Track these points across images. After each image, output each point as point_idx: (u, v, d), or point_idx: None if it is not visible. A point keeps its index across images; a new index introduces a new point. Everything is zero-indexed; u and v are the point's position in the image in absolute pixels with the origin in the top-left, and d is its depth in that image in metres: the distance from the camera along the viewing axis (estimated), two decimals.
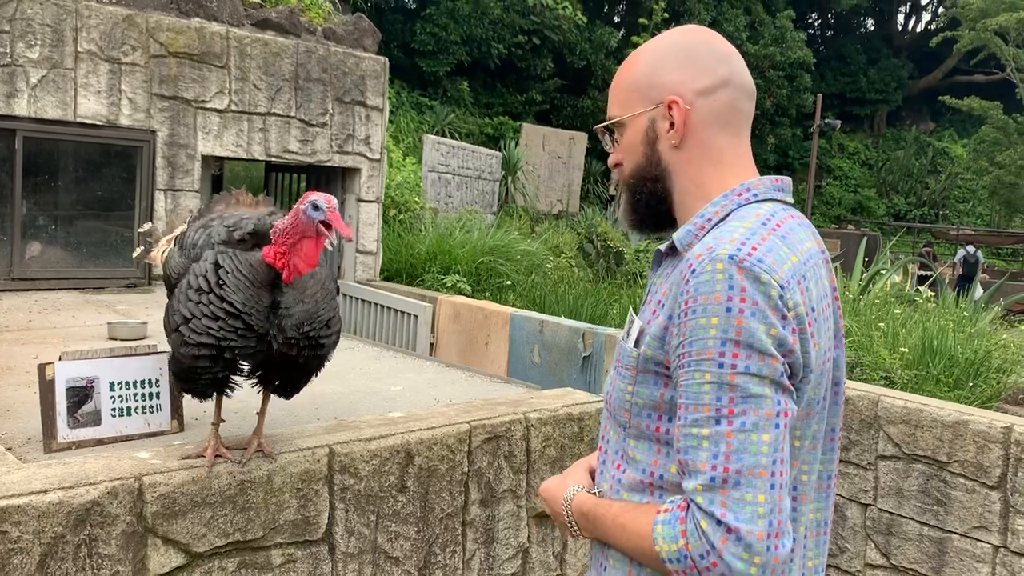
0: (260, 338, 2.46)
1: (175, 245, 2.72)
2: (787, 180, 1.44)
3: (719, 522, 1.18)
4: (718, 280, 1.23)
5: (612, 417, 1.44)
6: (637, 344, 1.37)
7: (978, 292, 12.12)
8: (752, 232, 1.28)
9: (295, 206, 2.39)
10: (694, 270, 1.26)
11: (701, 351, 1.23)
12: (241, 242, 2.50)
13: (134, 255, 3.37)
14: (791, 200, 1.44)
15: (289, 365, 2.61)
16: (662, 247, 1.45)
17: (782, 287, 1.23)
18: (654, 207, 1.46)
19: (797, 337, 1.24)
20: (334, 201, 2.36)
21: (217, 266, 2.42)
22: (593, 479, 1.53)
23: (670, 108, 1.39)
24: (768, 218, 1.33)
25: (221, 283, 2.39)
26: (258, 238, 2.50)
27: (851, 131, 30.48)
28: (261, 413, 2.79)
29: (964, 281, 16.32)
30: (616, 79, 1.48)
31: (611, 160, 1.50)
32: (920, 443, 4.16)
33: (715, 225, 1.35)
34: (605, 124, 1.49)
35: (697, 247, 1.30)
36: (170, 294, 2.58)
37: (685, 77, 1.39)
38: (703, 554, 1.19)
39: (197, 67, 7.12)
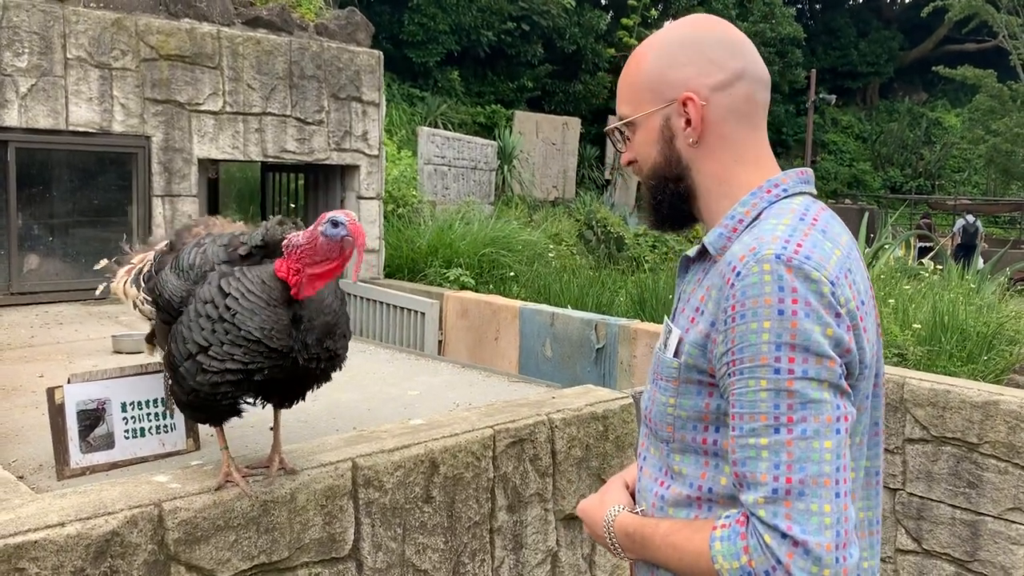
0: (285, 356, 2.36)
1: (157, 272, 2.60)
2: (810, 172, 1.39)
3: (784, 535, 1.12)
4: (766, 281, 1.16)
5: (653, 433, 1.38)
6: (677, 354, 1.31)
7: (980, 262, 12.05)
8: (793, 229, 1.22)
9: (311, 229, 2.27)
10: (739, 272, 1.19)
11: (754, 357, 1.16)
12: (247, 257, 2.38)
13: (97, 293, 3.25)
14: (815, 192, 1.38)
15: (303, 380, 2.52)
16: (690, 252, 1.39)
17: (833, 283, 1.17)
18: (677, 206, 1.40)
19: (852, 335, 1.19)
20: (352, 214, 2.27)
21: (223, 293, 2.29)
22: (631, 496, 1.46)
23: (685, 105, 1.33)
24: (804, 213, 1.27)
25: (232, 312, 2.27)
26: (268, 250, 2.37)
27: (844, 105, 30.37)
28: (276, 428, 2.69)
29: (963, 251, 16.27)
30: (624, 77, 1.42)
31: (624, 159, 1.45)
32: (949, 425, 4.08)
33: (748, 225, 1.29)
34: (616, 126, 1.44)
35: (736, 248, 1.24)
36: (170, 318, 2.45)
37: (698, 72, 1.34)
38: (768, 570, 1.12)
39: (189, 69, 6.98)
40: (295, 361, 2.39)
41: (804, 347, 1.14)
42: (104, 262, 3.22)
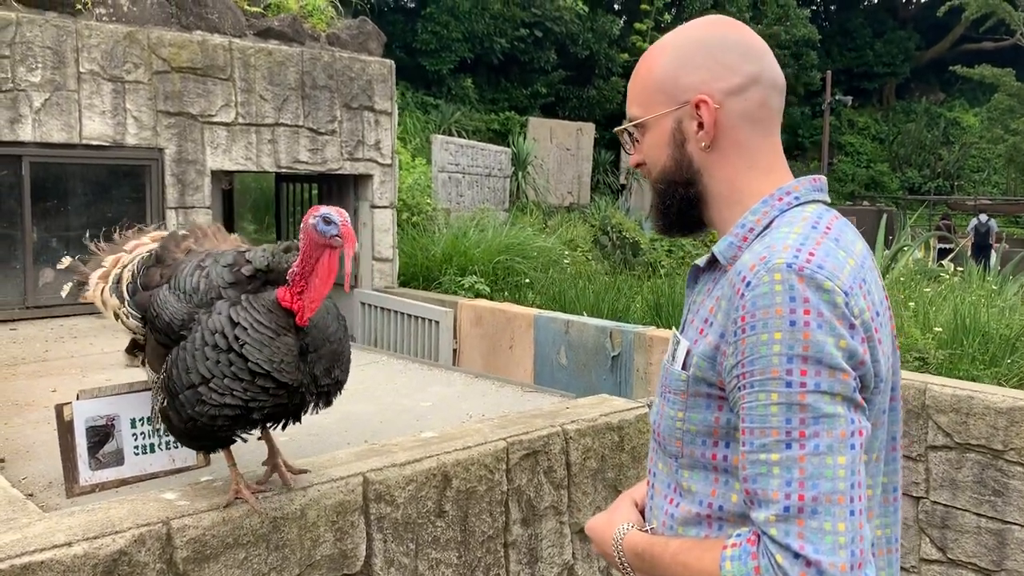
0: (293, 392, 2.32)
1: (167, 286, 2.49)
2: (823, 179, 1.35)
3: (797, 555, 1.07)
4: (777, 292, 1.12)
5: (662, 448, 1.34)
6: (685, 366, 1.27)
7: (992, 260, 11.85)
8: (805, 237, 1.18)
9: (303, 221, 2.24)
10: (749, 283, 1.15)
11: (765, 370, 1.12)
12: (251, 279, 2.32)
13: (63, 294, 3.00)
14: (828, 200, 1.34)
15: (301, 409, 2.47)
16: (699, 262, 1.35)
17: (846, 293, 1.13)
18: (686, 212, 1.36)
19: (867, 347, 1.15)
20: (346, 214, 2.21)
21: (233, 323, 2.24)
22: (641, 513, 1.43)
23: (698, 108, 1.29)
24: (816, 221, 1.23)
25: (241, 342, 2.22)
26: (270, 275, 2.32)
27: (860, 106, 30.14)
28: (267, 438, 2.62)
29: (978, 250, 16.09)
30: (636, 77, 1.38)
31: (632, 161, 1.41)
32: (973, 431, 3.99)
33: (759, 234, 1.26)
34: (625, 127, 1.40)
35: (747, 258, 1.20)
36: (169, 341, 2.37)
37: (712, 75, 1.30)
38: None
39: (201, 81, 6.99)
40: (303, 397, 2.35)
41: (817, 359, 1.10)
42: (67, 260, 3.03)
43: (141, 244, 2.84)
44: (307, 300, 2.26)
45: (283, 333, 2.25)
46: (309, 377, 2.33)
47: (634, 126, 1.38)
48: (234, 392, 2.23)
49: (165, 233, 2.86)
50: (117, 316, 2.68)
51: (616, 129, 1.45)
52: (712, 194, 1.33)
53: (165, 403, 2.38)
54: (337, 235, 2.16)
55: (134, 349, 2.80)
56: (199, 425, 2.31)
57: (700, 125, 1.30)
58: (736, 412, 1.19)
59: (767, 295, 1.13)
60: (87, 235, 3.10)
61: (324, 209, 2.19)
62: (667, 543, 1.28)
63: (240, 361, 2.21)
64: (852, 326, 1.13)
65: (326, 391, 2.42)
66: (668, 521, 1.31)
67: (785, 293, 1.12)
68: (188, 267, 2.44)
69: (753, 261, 1.18)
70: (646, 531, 1.35)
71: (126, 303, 2.61)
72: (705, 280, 1.34)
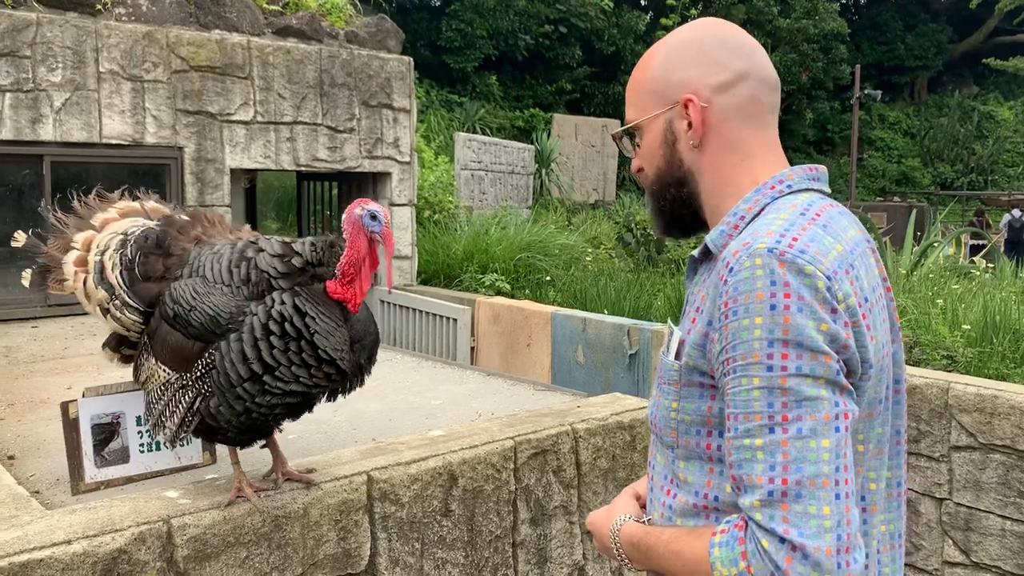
0: (346, 378, 2.40)
1: (189, 274, 2.40)
2: (822, 169, 1.34)
3: (782, 540, 1.07)
4: (758, 276, 1.13)
5: (659, 439, 1.35)
6: (678, 356, 1.28)
7: None
8: (791, 223, 1.19)
9: (348, 210, 2.33)
10: (731, 268, 1.17)
11: (746, 354, 1.13)
12: (301, 271, 2.35)
13: (25, 283, 2.58)
14: (827, 190, 1.34)
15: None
16: (695, 253, 1.35)
17: (829, 278, 1.13)
18: (679, 212, 1.38)
19: (851, 331, 1.14)
20: (387, 213, 2.34)
21: (301, 312, 2.27)
22: (643, 507, 1.44)
23: (686, 107, 1.31)
24: (806, 208, 1.23)
25: (312, 331, 2.27)
26: (317, 269, 2.36)
27: (891, 101, 29.75)
28: (271, 446, 2.62)
29: (1011, 246, 15.80)
30: (630, 81, 1.41)
31: (634, 166, 1.44)
32: (997, 432, 3.89)
33: (749, 222, 1.26)
34: (623, 129, 1.42)
35: (732, 244, 1.21)
36: (206, 335, 2.29)
37: (699, 73, 1.32)
38: None
39: (220, 80, 7.02)
40: (351, 383, 2.45)
41: (797, 343, 1.10)
42: (23, 237, 2.59)
43: (109, 219, 2.58)
44: (358, 287, 2.35)
45: (340, 324, 2.33)
46: (355, 366, 2.41)
47: (632, 129, 1.40)
48: (300, 379, 2.28)
49: (134, 205, 2.66)
50: (109, 312, 2.47)
51: (613, 133, 1.47)
52: (708, 190, 1.34)
53: (201, 401, 2.33)
54: (379, 232, 2.30)
55: (119, 347, 2.62)
56: (254, 416, 2.32)
57: (690, 124, 1.32)
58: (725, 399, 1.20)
59: (748, 280, 1.13)
60: (42, 204, 2.66)
61: (372, 205, 2.32)
62: (661, 532, 1.28)
63: (310, 348, 2.26)
64: (834, 310, 1.12)
65: (361, 377, 2.50)
66: (666, 513, 1.32)
67: (766, 277, 1.12)
68: (225, 258, 2.38)
69: (736, 247, 1.18)
70: (643, 522, 1.36)
71: (123, 294, 2.44)
72: (702, 271, 1.35)
